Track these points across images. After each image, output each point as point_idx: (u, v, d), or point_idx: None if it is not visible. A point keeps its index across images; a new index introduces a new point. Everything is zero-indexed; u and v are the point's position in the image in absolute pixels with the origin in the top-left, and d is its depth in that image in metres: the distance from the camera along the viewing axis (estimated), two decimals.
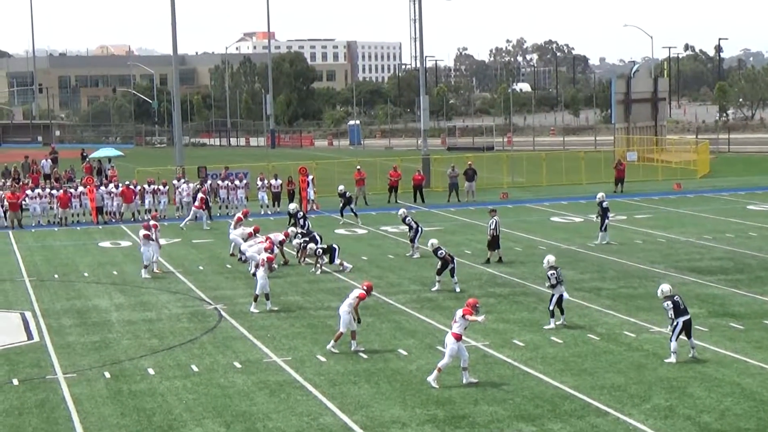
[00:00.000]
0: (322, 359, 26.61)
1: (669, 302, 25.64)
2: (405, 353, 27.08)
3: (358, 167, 62.08)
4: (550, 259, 30.16)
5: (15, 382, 25.34)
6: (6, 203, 54.41)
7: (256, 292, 32.58)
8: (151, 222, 41.45)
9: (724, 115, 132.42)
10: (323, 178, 65.39)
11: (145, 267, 39.11)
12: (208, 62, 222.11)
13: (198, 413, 22.57)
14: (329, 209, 55.56)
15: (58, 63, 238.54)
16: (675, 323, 25.43)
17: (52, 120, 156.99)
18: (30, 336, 30.31)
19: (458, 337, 23.98)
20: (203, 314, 32.50)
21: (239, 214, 45.05)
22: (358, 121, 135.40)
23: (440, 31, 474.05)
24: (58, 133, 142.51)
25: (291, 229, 42.53)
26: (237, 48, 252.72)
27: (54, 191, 56.81)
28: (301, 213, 45.80)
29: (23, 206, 54.98)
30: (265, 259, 32.98)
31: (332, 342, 27.37)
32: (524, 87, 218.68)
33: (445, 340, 24.33)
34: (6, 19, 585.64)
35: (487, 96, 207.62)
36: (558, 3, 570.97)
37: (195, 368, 26.11)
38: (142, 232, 39.43)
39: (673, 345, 25.49)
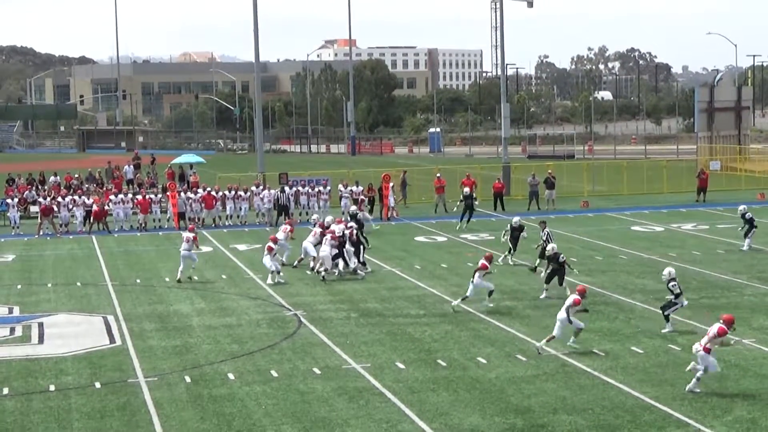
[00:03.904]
0: (401, 366, 26.62)
1: None
2: (484, 361, 26.99)
3: (438, 175, 62.11)
4: (671, 271, 29.81)
5: (97, 385, 25.60)
6: (94, 206, 54.96)
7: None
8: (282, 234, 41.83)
9: None
10: None
11: (272, 273, 39.13)
12: (289, 69, 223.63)
13: (277, 418, 22.67)
14: (408, 216, 55.51)
15: (142, 70, 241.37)
16: None
17: (135, 126, 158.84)
18: (112, 339, 30.62)
19: (707, 351, 23.85)
20: (283, 320, 32.64)
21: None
22: (438, 129, 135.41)
23: (521, 38, 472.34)
24: (141, 139, 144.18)
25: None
26: (318, 55, 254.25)
27: (138, 196, 57.57)
28: (361, 215, 46.53)
29: (108, 211, 55.57)
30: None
31: (543, 342, 27.65)
32: (605, 95, 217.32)
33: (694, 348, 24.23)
34: (91, 27, 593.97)
35: (568, 104, 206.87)
36: (640, 11, 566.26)
37: (274, 374, 26.22)
38: (268, 244, 39.58)
39: None
